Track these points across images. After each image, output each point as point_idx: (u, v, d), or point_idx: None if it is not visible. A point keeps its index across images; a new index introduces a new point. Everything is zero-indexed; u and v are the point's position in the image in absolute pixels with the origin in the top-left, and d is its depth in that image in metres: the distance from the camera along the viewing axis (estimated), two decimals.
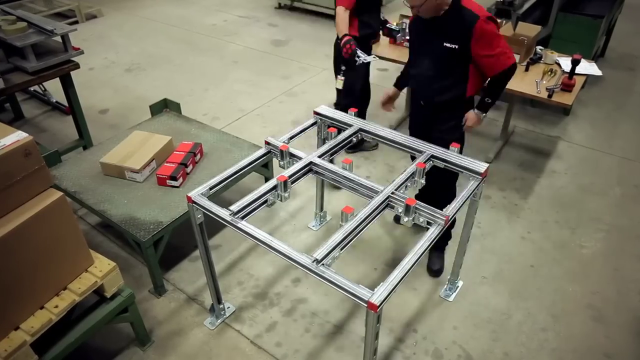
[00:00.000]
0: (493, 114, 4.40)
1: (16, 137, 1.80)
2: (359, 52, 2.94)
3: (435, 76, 2.42)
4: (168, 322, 2.61)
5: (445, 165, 2.30)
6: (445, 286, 2.76)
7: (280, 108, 4.54)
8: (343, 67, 3.19)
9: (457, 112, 2.51)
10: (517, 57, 3.51)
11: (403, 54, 3.70)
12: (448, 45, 2.29)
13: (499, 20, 3.76)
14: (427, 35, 2.38)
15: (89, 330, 2.10)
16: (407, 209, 1.99)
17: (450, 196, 2.57)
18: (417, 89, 2.61)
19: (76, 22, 6.45)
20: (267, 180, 3.13)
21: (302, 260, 1.81)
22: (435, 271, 2.84)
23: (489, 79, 2.40)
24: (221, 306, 2.58)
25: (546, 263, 2.95)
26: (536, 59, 3.58)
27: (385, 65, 5.11)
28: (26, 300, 1.92)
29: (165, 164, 2.87)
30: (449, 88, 2.43)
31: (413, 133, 2.66)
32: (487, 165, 2.24)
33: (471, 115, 2.50)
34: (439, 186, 2.61)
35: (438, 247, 2.90)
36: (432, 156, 2.31)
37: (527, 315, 2.63)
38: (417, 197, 2.64)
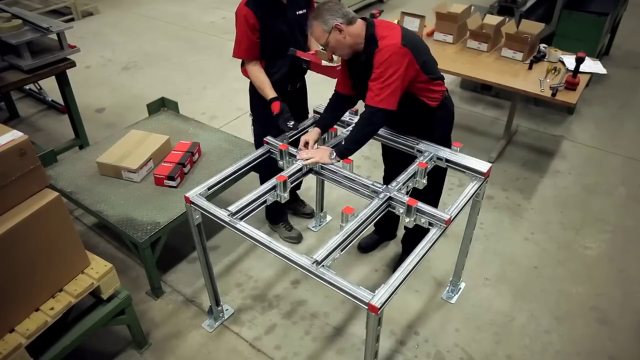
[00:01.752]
0: (496, 113, 4.41)
1: (11, 136, 1.80)
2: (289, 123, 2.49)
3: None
4: (165, 324, 2.61)
5: (447, 165, 2.30)
6: (448, 288, 2.76)
7: None
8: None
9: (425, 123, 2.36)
10: (520, 56, 3.54)
11: None
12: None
13: (501, 18, 3.77)
14: (357, 74, 2.24)
15: (85, 332, 2.10)
16: (409, 209, 1.99)
17: (437, 195, 2.60)
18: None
19: (72, 20, 6.46)
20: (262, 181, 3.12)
21: (301, 262, 1.81)
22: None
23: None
24: (219, 308, 2.59)
25: (550, 264, 2.95)
26: (540, 57, 3.58)
27: None
28: (21, 302, 1.92)
29: (162, 164, 2.87)
30: (406, 117, 2.29)
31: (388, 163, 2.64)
32: (489, 165, 2.24)
33: (320, 150, 2.24)
34: (429, 185, 2.52)
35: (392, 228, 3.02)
36: (435, 156, 2.31)
37: (530, 318, 2.63)
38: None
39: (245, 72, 2.61)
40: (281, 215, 3.13)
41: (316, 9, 2.11)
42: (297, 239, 3.09)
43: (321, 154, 2.23)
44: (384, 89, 2.05)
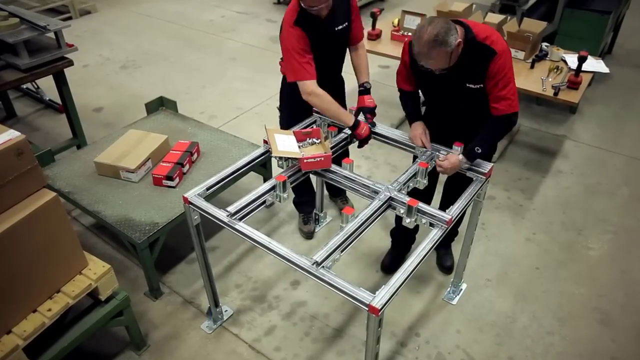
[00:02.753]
0: None
1: (8, 136, 1.81)
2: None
3: (462, 120, 2.30)
4: (164, 325, 2.61)
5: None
6: (449, 289, 2.76)
7: None
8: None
9: None
10: (522, 54, 3.54)
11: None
12: (472, 86, 2.11)
13: (503, 16, 3.78)
14: (442, 77, 2.10)
15: (83, 334, 2.10)
16: (409, 210, 1.99)
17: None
18: (443, 129, 2.38)
19: (70, 18, 6.46)
20: (265, 180, 3.13)
21: (301, 263, 1.81)
22: (447, 268, 2.87)
23: (489, 121, 2.18)
24: (218, 309, 2.59)
25: (552, 265, 2.95)
26: (542, 56, 3.58)
27: (386, 62, 5.12)
28: (19, 304, 1.92)
29: (161, 164, 2.87)
30: (479, 124, 2.23)
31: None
32: (491, 164, 2.25)
33: (453, 159, 2.20)
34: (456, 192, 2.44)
35: (445, 244, 2.92)
36: (436, 156, 2.31)
37: (532, 319, 2.63)
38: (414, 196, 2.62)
39: (309, 97, 2.38)
40: (303, 204, 3.12)
41: (433, 37, 1.91)
42: (307, 235, 3.10)
43: (457, 164, 2.20)
44: (513, 91, 2.10)
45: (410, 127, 2.42)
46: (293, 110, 2.65)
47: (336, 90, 2.66)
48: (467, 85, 2.12)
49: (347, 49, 2.67)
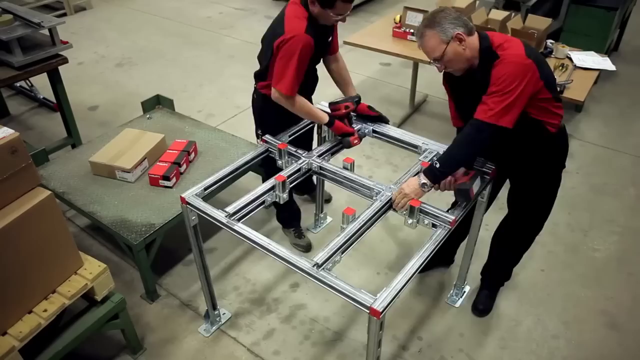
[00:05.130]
0: None
1: (2, 133, 1.81)
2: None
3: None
4: (161, 328, 2.61)
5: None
6: (452, 291, 2.77)
7: None
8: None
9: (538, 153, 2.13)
10: None
11: (407, 48, 3.72)
12: None
13: (507, 13, 3.78)
14: (467, 98, 2.01)
15: (78, 337, 2.11)
16: (411, 210, 1.99)
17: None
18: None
19: (64, 15, 6.47)
20: (264, 180, 3.13)
21: (301, 265, 1.81)
22: (479, 310, 2.64)
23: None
24: (216, 312, 2.59)
25: (557, 267, 2.95)
26: (547, 54, 3.59)
27: (388, 59, 5.13)
28: (14, 304, 1.92)
29: (157, 163, 2.87)
30: (516, 144, 2.06)
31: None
32: (494, 165, 2.25)
33: (410, 180, 2.03)
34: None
35: (492, 286, 2.70)
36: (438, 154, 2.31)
37: (537, 322, 2.64)
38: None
39: (286, 102, 2.36)
40: (293, 219, 3.06)
41: (430, 16, 1.90)
42: (306, 248, 3.02)
43: (413, 189, 1.99)
44: (501, 102, 1.81)
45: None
46: (281, 122, 2.54)
47: (312, 89, 2.68)
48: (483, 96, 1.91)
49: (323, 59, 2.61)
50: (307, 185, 3.25)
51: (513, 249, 2.56)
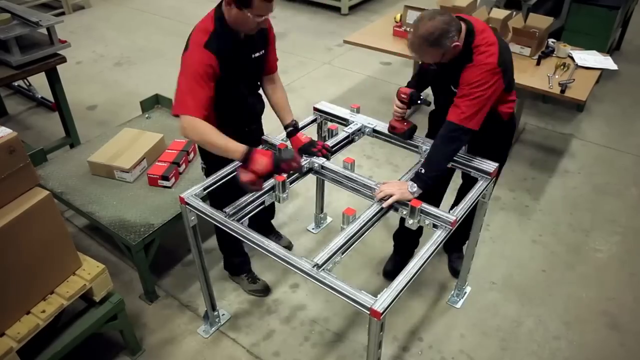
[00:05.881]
0: None
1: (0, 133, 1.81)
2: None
3: None
4: (159, 330, 2.61)
5: (452, 165, 2.30)
6: (452, 292, 2.77)
7: None
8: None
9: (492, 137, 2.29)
10: (528, 51, 3.54)
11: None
12: (454, 89, 2.10)
13: (508, 12, 3.78)
14: (438, 76, 2.24)
15: (77, 338, 2.11)
16: (412, 211, 1.99)
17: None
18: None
19: (63, 14, 6.46)
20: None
21: (301, 265, 1.81)
22: (459, 271, 2.76)
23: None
24: (216, 313, 2.59)
25: (559, 268, 2.95)
26: (548, 53, 3.59)
27: (388, 58, 5.13)
28: (12, 305, 1.92)
29: (156, 163, 2.87)
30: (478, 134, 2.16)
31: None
32: (496, 164, 2.25)
33: (396, 185, 2.07)
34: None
35: (457, 248, 2.90)
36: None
37: (538, 323, 2.64)
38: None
39: (186, 131, 1.99)
40: (243, 264, 2.78)
41: (427, 34, 1.93)
42: (265, 292, 2.77)
43: (400, 190, 2.03)
44: (471, 107, 2.01)
45: None
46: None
47: (259, 112, 2.47)
48: (451, 87, 2.12)
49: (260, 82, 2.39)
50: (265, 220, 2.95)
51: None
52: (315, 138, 2.76)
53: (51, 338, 2.07)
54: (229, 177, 2.26)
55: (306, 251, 3.04)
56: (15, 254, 1.87)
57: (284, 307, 2.73)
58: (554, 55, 3.60)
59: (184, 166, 2.92)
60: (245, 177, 1.92)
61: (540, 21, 3.63)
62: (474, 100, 2.01)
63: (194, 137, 2.02)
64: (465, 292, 2.78)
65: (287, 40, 5.80)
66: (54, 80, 3.45)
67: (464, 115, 2.02)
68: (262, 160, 1.94)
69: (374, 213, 2.01)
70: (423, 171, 2.08)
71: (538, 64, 3.49)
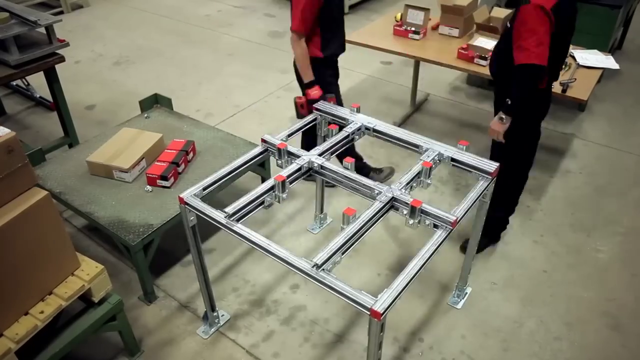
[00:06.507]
0: None
1: None
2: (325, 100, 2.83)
3: (504, 59, 2.49)
4: (158, 330, 2.61)
5: (453, 165, 2.30)
6: (453, 293, 2.77)
7: (277, 103, 4.54)
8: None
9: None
10: None
11: (408, 46, 3.72)
12: (508, 25, 2.40)
13: (510, 11, 3.77)
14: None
15: (75, 339, 2.11)
16: (413, 211, 1.99)
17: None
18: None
19: (61, 13, 6.46)
20: (264, 180, 3.13)
21: (301, 266, 1.81)
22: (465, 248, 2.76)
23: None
24: (215, 314, 2.59)
25: (560, 268, 2.95)
26: None
27: (389, 58, 5.12)
28: (10, 306, 1.92)
29: (155, 163, 2.88)
30: (503, 66, 2.48)
31: None
32: (497, 164, 2.25)
33: (492, 122, 2.53)
34: None
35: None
36: (439, 154, 2.31)
37: (539, 324, 2.64)
38: None
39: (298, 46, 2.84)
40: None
41: None
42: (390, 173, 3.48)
43: (495, 125, 2.50)
44: (537, 45, 2.23)
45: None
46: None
47: (339, 44, 3.04)
48: (507, 24, 2.42)
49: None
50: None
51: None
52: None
53: (50, 339, 2.08)
54: (228, 177, 2.27)
55: (306, 251, 3.04)
56: (14, 254, 1.87)
57: (283, 308, 2.73)
58: None
59: (183, 166, 2.92)
60: (300, 99, 2.95)
61: None
62: (537, 38, 2.21)
63: (294, 46, 2.87)
64: (466, 293, 2.78)
65: (287, 39, 5.77)
66: (53, 80, 3.45)
67: (533, 54, 2.24)
68: (316, 90, 2.88)
69: (374, 213, 2.01)
70: (509, 102, 2.40)
71: None
